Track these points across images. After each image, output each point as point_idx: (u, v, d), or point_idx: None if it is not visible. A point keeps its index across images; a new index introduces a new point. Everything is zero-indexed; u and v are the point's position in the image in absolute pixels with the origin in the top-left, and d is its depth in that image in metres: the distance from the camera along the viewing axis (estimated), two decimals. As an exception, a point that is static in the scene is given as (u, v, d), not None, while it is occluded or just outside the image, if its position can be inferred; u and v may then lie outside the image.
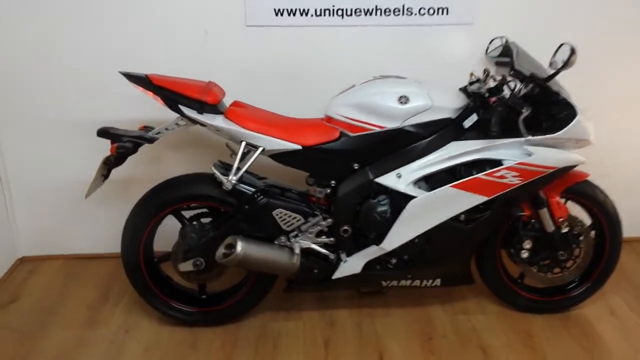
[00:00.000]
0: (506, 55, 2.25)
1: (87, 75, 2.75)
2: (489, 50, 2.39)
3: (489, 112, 2.13)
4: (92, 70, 2.74)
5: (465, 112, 2.23)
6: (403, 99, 2.16)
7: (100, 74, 2.74)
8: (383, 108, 2.17)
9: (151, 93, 2.18)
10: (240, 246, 2.19)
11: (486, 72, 2.31)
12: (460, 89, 2.35)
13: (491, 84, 2.19)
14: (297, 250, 2.26)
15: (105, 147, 2.21)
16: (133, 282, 2.43)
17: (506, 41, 2.32)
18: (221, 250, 2.23)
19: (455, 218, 2.25)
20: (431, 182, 2.23)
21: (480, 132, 2.21)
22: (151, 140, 2.25)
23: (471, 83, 2.35)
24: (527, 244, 2.40)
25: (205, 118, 2.17)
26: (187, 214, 2.43)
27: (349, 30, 2.75)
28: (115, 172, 2.51)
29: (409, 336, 2.44)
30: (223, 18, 2.70)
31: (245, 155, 2.23)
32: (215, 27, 2.72)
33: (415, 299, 2.68)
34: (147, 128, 2.33)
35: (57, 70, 2.74)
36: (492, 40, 2.40)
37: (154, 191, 2.34)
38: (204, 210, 2.46)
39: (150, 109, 2.70)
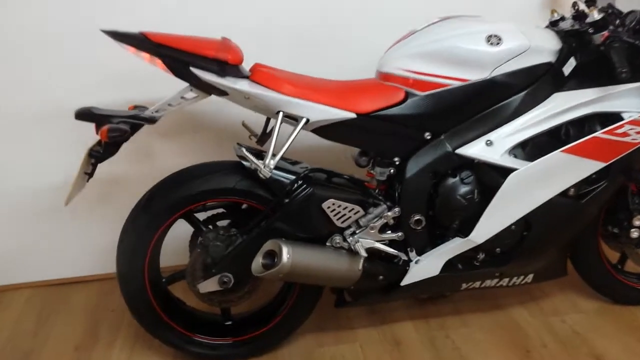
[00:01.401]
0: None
1: (48, 49, 2.10)
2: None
3: (606, 50, 1.60)
4: (54, 39, 2.09)
5: (562, 56, 1.70)
6: (493, 39, 1.62)
7: (66, 44, 2.09)
8: (466, 53, 1.63)
9: (147, 54, 1.57)
10: (286, 253, 1.61)
11: (575, 6, 1.78)
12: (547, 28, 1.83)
13: (596, 15, 1.66)
14: (363, 252, 1.69)
15: (82, 140, 1.63)
16: (136, 312, 1.83)
17: None
18: (259, 260, 1.65)
19: (564, 193, 1.72)
20: (530, 149, 1.70)
21: (585, 79, 1.69)
22: (152, 120, 1.65)
23: (553, 23, 1.84)
24: (639, 221, 1.89)
25: (229, 82, 1.57)
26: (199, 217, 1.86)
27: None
28: (97, 171, 1.91)
29: (500, 350, 1.91)
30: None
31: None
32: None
33: (488, 300, 2.16)
34: (139, 108, 1.73)
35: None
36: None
37: (160, 189, 1.74)
38: (220, 210, 1.87)
39: (138, 89, 2.12)
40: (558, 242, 1.83)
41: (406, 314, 2.11)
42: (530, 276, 1.91)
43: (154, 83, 1.97)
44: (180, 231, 1.86)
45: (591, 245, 1.98)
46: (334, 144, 1.77)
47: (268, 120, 1.87)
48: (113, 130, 1.54)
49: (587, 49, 1.68)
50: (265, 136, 1.89)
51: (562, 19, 1.84)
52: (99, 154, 1.64)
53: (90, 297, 2.32)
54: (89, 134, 1.64)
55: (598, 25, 1.65)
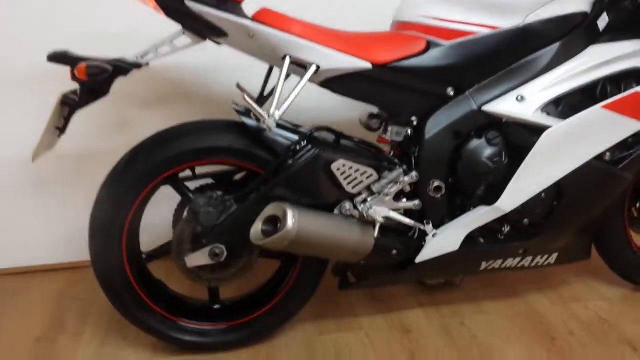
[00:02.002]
0: None
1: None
2: None
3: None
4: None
5: (597, 8, 1.54)
6: (529, -20, 1.44)
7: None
8: (496, -4, 1.45)
9: None
10: (291, 217, 1.39)
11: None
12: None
13: (631, -42, 1.50)
14: (379, 218, 1.48)
15: (47, 105, 1.41)
16: (112, 293, 1.57)
17: None
18: (259, 226, 1.42)
19: (599, 158, 1.54)
20: (563, 108, 1.52)
21: (622, 32, 1.53)
22: (138, 66, 1.42)
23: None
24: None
25: (230, 16, 1.36)
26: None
27: None
28: (65, 147, 1.67)
29: (522, 338, 1.71)
30: None
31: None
32: None
33: (502, 288, 1.97)
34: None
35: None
36: None
37: (141, 150, 1.51)
38: (210, 181, 1.65)
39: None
40: (589, 214, 1.64)
41: (414, 301, 1.91)
42: (555, 256, 1.72)
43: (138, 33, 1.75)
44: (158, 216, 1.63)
45: (617, 227, 1.81)
46: (337, 109, 1.57)
47: (266, 81, 1.66)
48: (93, 67, 1.31)
49: (620, 4, 1.53)
50: (262, 98, 1.67)
51: None
52: (73, 101, 1.40)
53: (55, 287, 2.05)
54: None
55: (635, -24, 1.50)
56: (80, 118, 1.51)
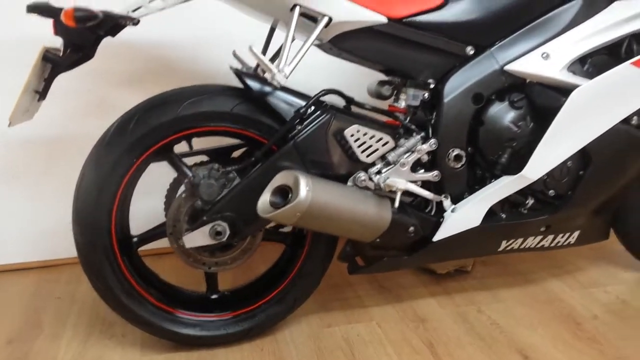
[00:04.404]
0: None
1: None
2: None
3: None
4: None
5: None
6: None
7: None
8: (521, -57, 1.36)
9: None
10: (304, 185, 1.24)
11: None
12: None
13: None
14: (400, 187, 1.35)
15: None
16: (99, 283, 1.38)
17: None
18: (267, 198, 1.27)
19: (626, 121, 1.45)
20: (589, 67, 1.43)
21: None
22: (130, 19, 1.27)
23: None
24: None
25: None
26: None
27: None
28: (37, 132, 1.50)
29: (546, 324, 1.59)
30: None
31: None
32: None
33: (516, 275, 1.86)
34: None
35: None
36: None
37: (132, 116, 1.34)
38: (205, 158, 1.50)
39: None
40: (616, 184, 1.54)
41: (425, 291, 1.77)
42: (576, 234, 1.61)
43: None
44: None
45: (637, 204, 1.71)
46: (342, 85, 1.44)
47: (267, 44, 1.53)
48: (81, 10, 1.15)
49: None
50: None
51: None
52: (57, 57, 1.23)
53: (28, 286, 1.84)
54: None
55: None
56: (52, 98, 1.35)
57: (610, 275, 1.85)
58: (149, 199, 1.61)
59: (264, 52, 1.53)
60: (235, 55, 1.59)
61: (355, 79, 1.74)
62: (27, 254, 1.94)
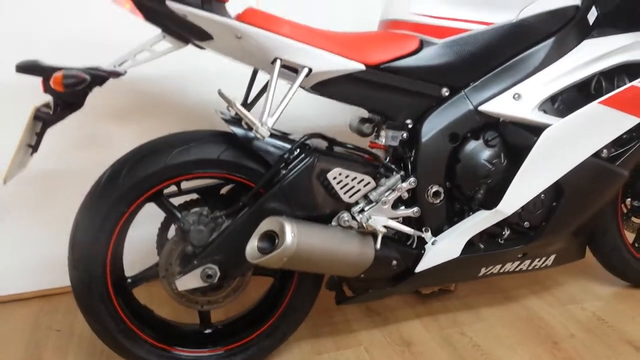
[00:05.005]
0: None
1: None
2: None
3: None
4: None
5: (586, 3, 1.52)
6: (520, -25, 1.41)
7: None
8: (491, -9, 1.41)
9: None
10: (290, 232, 1.31)
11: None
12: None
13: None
14: (381, 228, 1.41)
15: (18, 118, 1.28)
16: (96, 324, 1.45)
17: None
18: (255, 244, 1.33)
19: (597, 155, 1.51)
20: (559, 104, 1.50)
21: (613, 26, 1.52)
22: (116, 74, 1.32)
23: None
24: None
25: (215, 17, 1.27)
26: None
27: None
28: (30, 168, 1.55)
29: (526, 344, 1.67)
30: None
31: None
32: None
33: (497, 293, 1.94)
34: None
35: None
36: None
37: (123, 165, 1.40)
38: (194, 196, 1.55)
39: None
40: (588, 212, 1.61)
41: (411, 312, 1.84)
42: (552, 258, 1.69)
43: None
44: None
45: (612, 224, 1.79)
46: (326, 117, 1.50)
47: (249, 88, 1.59)
48: (69, 77, 1.20)
49: None
50: (247, 106, 1.60)
51: None
52: (47, 116, 1.29)
53: (27, 317, 1.90)
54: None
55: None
56: (47, 133, 1.40)
57: (587, 291, 1.93)
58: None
59: (248, 91, 1.59)
60: (220, 93, 1.63)
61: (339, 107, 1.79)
62: (26, 285, 1.99)
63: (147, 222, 1.57)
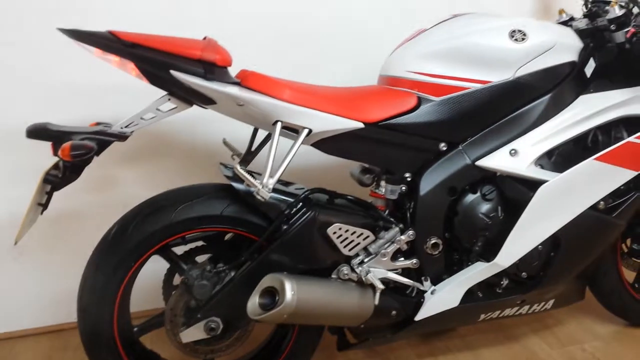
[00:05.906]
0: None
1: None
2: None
3: (633, 47, 1.46)
4: None
5: (583, 56, 1.55)
6: (518, 35, 1.44)
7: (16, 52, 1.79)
8: (488, 51, 1.44)
9: (117, 57, 1.30)
10: (290, 290, 1.35)
11: (587, 4, 1.65)
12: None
13: (617, 11, 1.51)
14: (378, 284, 1.45)
15: (33, 167, 1.36)
16: (104, 372, 1.49)
17: None
18: (256, 300, 1.37)
19: (593, 207, 1.54)
20: (556, 159, 1.52)
21: (610, 80, 1.54)
22: (122, 137, 1.36)
23: (563, 23, 1.69)
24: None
25: (219, 86, 1.31)
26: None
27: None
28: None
29: (525, 388, 1.68)
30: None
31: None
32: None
33: (498, 332, 1.96)
34: (102, 124, 1.44)
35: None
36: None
37: (133, 219, 1.44)
38: (200, 243, 1.59)
39: (99, 107, 1.83)
40: (586, 262, 1.64)
41: (412, 352, 1.87)
42: (551, 302, 1.72)
43: (121, 96, 1.69)
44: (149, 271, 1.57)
45: (611, 265, 1.81)
46: (329, 161, 1.53)
47: (253, 136, 1.63)
48: (77, 148, 1.25)
49: (606, 48, 1.54)
50: (250, 155, 1.63)
51: (572, 19, 1.70)
52: (56, 179, 1.34)
53: (39, 354, 1.95)
54: (41, 160, 1.35)
55: (620, 22, 1.51)
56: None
57: (588, 331, 1.95)
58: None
59: (251, 142, 1.62)
60: (225, 142, 1.68)
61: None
62: (39, 319, 2.05)
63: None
